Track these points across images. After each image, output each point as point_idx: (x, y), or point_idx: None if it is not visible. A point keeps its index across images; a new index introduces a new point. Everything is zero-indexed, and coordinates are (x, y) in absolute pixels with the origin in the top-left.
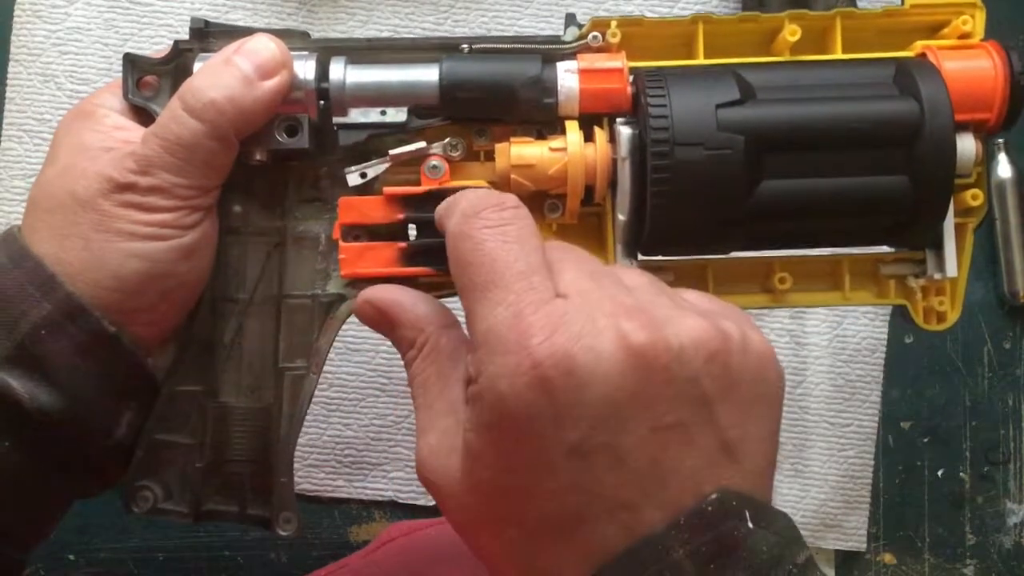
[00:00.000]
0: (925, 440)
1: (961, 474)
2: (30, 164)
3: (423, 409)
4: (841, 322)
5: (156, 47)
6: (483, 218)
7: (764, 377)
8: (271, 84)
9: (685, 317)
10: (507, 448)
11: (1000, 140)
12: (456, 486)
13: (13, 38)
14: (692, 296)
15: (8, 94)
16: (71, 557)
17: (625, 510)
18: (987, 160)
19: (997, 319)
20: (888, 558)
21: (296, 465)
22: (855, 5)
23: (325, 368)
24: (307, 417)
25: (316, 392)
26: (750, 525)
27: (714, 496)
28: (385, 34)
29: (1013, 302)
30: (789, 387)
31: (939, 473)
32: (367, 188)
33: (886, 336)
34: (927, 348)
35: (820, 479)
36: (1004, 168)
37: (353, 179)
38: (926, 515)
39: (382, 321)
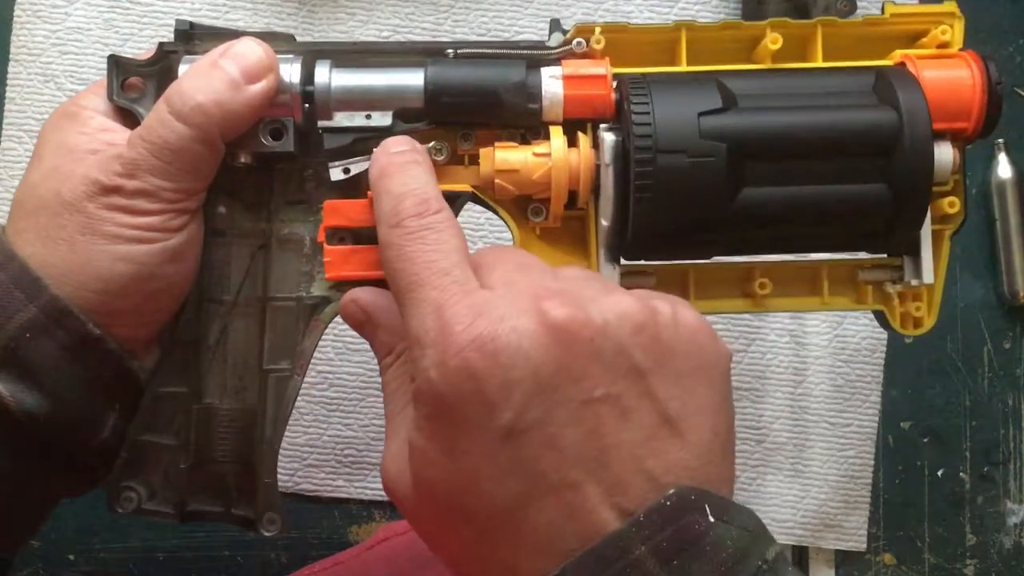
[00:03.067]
0: (925, 440)
1: (961, 474)
2: None
3: (390, 418)
4: (841, 322)
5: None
6: (403, 227)
7: (699, 349)
8: (258, 88)
9: (611, 295)
10: (445, 439)
11: (1000, 140)
12: (409, 491)
13: (13, 38)
14: (627, 289)
15: (8, 94)
16: (71, 557)
17: (568, 489)
18: (964, 167)
19: (997, 319)
20: (888, 558)
21: (296, 465)
22: (855, 6)
23: (325, 368)
24: (307, 417)
25: (316, 392)
26: (711, 519)
27: (672, 491)
28: (385, 34)
29: (1013, 302)
30: (789, 387)
31: (939, 473)
32: (351, 186)
33: (886, 336)
34: (927, 348)
35: (820, 479)
36: (1004, 168)
37: (336, 174)
38: (926, 515)
39: (366, 322)
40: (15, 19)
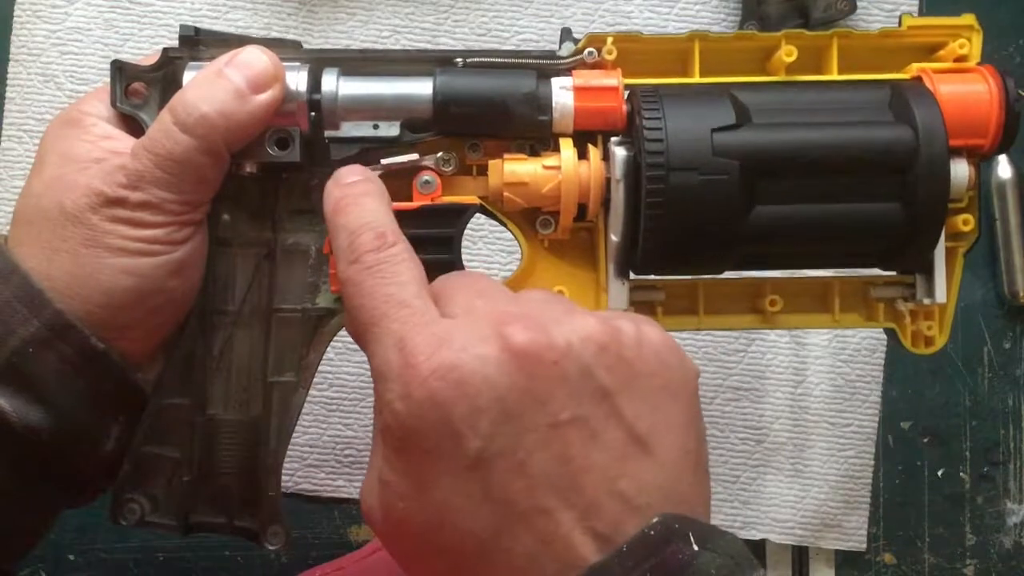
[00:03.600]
0: (925, 440)
1: (961, 474)
2: (30, 164)
3: (373, 447)
4: None
5: (156, 47)
6: (360, 263)
7: (665, 367)
8: (264, 98)
9: (573, 317)
10: (414, 472)
11: None
12: (382, 524)
13: (13, 38)
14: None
15: (8, 94)
16: (71, 557)
17: (541, 515)
18: (979, 184)
19: (997, 319)
20: (888, 558)
21: (296, 465)
22: (855, 5)
23: (325, 368)
24: (307, 417)
25: (316, 392)
26: (695, 547)
27: (656, 520)
28: (385, 34)
29: (1013, 302)
30: (789, 387)
31: (939, 473)
32: None
33: (886, 336)
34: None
35: (820, 479)
36: (1004, 168)
37: None
38: (926, 515)
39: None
40: (15, 19)
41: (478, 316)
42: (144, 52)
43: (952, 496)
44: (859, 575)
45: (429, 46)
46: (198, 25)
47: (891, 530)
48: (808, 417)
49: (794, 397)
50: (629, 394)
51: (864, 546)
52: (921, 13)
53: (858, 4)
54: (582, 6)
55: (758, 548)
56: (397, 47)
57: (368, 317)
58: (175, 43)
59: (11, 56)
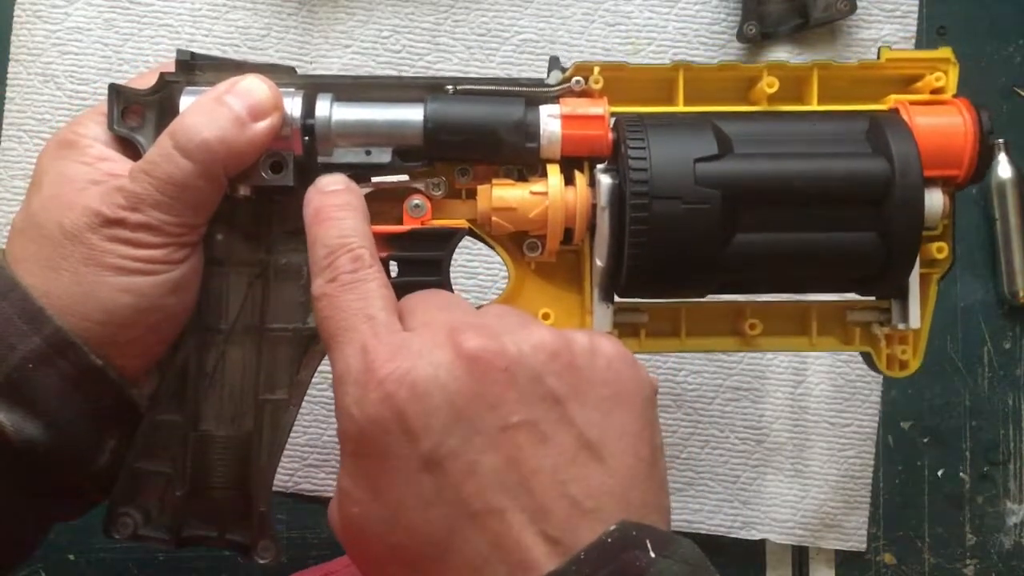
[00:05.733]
0: (925, 440)
1: (961, 474)
2: (30, 164)
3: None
4: None
5: (156, 47)
6: (336, 281)
7: (617, 376)
8: (263, 126)
9: (529, 328)
10: (369, 475)
11: (1000, 140)
12: (342, 532)
13: (13, 38)
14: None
15: (8, 94)
16: (71, 557)
17: (491, 516)
18: (953, 213)
19: (997, 319)
20: (888, 558)
21: (296, 465)
22: (855, 5)
23: (325, 368)
24: (307, 417)
25: (316, 392)
26: (651, 554)
27: (613, 527)
28: (385, 34)
29: (1013, 302)
30: (789, 387)
31: (939, 473)
32: None
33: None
34: (927, 348)
35: (820, 479)
36: (1004, 168)
37: None
38: (926, 515)
39: None
40: (15, 19)
41: (435, 326)
42: (144, 52)
43: (952, 496)
44: (859, 575)
45: (429, 46)
46: (198, 26)
47: (891, 530)
48: (808, 417)
49: (794, 397)
50: (579, 401)
51: (864, 546)
52: (921, 13)
53: (858, 4)
54: (582, 6)
55: (758, 548)
56: (397, 47)
57: (335, 327)
58: (175, 43)
59: (11, 56)
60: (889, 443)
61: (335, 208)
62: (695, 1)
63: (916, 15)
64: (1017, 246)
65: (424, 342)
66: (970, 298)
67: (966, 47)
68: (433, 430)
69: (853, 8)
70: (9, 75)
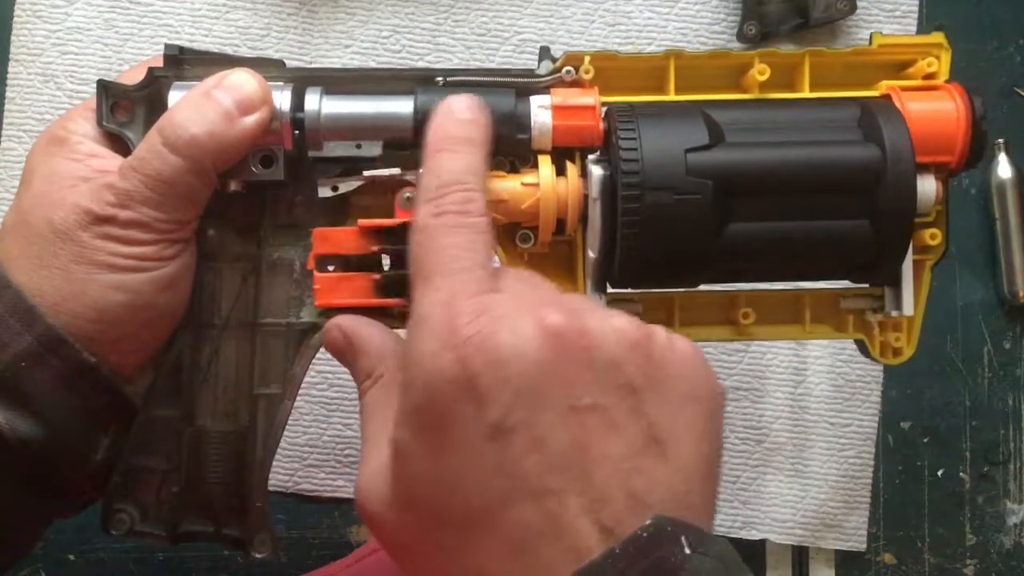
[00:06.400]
0: (925, 440)
1: (961, 474)
2: None
3: (368, 440)
4: None
5: (156, 47)
6: (442, 218)
7: (693, 374)
8: (252, 120)
9: (611, 314)
10: (431, 433)
11: (1000, 140)
12: (387, 506)
13: (13, 38)
14: None
15: (8, 94)
16: (71, 557)
17: (550, 495)
18: (947, 199)
19: (997, 319)
20: (888, 558)
21: (296, 465)
22: (855, 5)
23: (325, 368)
24: (307, 417)
25: (316, 392)
26: (687, 551)
27: (650, 522)
28: (385, 34)
29: (1013, 302)
30: (789, 387)
31: (939, 473)
32: (340, 207)
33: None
34: (927, 348)
35: (820, 479)
36: (1004, 168)
37: (324, 191)
38: (926, 515)
39: (348, 349)
40: (15, 19)
41: (523, 295)
42: (144, 52)
43: (952, 496)
44: (859, 575)
45: (429, 46)
46: (198, 26)
47: (891, 530)
48: (808, 417)
49: (794, 397)
50: (654, 394)
51: (864, 546)
52: (921, 13)
53: (858, 4)
54: (582, 6)
55: (758, 548)
56: (397, 47)
57: (430, 268)
58: (173, 44)
59: (11, 56)
60: (889, 443)
61: (458, 141)
62: (695, 1)
63: (916, 15)
64: (1017, 246)
65: (509, 307)
66: (970, 298)
67: (966, 47)
68: (503, 399)
69: (853, 8)
70: (9, 75)
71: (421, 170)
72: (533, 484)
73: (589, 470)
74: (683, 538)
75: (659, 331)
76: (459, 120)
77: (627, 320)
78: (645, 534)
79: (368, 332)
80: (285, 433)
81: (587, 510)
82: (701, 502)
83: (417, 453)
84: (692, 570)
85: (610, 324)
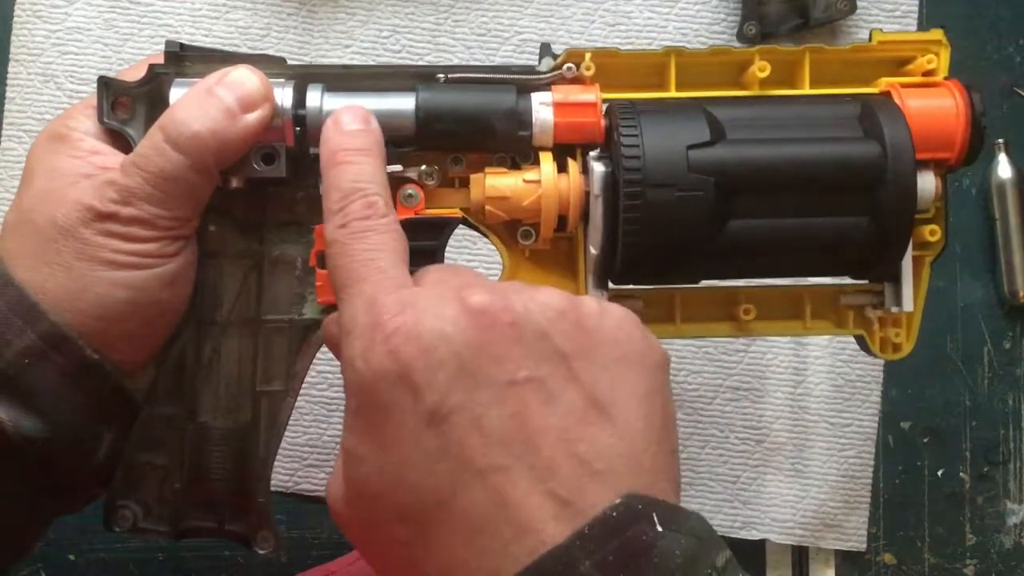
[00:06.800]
0: (925, 440)
1: (961, 474)
2: None
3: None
4: None
5: (156, 47)
6: (349, 227)
7: (627, 337)
8: (254, 117)
9: (536, 290)
10: (374, 430)
11: (1000, 140)
12: (345, 503)
13: (13, 38)
14: None
15: (8, 94)
16: (71, 557)
17: (496, 473)
18: (946, 196)
19: (997, 319)
20: (888, 558)
21: (296, 465)
22: (855, 5)
23: (325, 368)
24: (307, 417)
25: (316, 392)
26: (659, 528)
27: (619, 501)
28: (385, 34)
29: (1013, 302)
30: (789, 387)
31: (939, 473)
32: None
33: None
34: (927, 348)
35: (820, 479)
36: (1004, 168)
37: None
38: (926, 515)
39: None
40: (15, 19)
41: (445, 283)
42: (144, 52)
43: (952, 496)
44: (859, 575)
45: (429, 46)
46: (198, 26)
47: (891, 530)
48: (808, 417)
49: (794, 397)
50: (588, 360)
51: (864, 546)
52: (921, 13)
53: (858, 4)
54: (582, 6)
55: (758, 548)
56: (397, 47)
57: (346, 277)
58: (174, 41)
59: (11, 56)
60: (889, 443)
61: (352, 152)
62: (695, 1)
63: (916, 15)
64: (1017, 246)
65: (432, 297)
66: (970, 298)
67: (966, 47)
68: (438, 384)
69: (853, 8)
70: (9, 75)
71: (321, 163)
72: (479, 464)
73: (533, 442)
74: (654, 515)
75: (587, 300)
76: (347, 131)
77: (552, 292)
78: (615, 513)
79: None
80: (285, 433)
81: (536, 481)
82: (655, 465)
83: (364, 452)
84: (665, 547)
85: (534, 299)
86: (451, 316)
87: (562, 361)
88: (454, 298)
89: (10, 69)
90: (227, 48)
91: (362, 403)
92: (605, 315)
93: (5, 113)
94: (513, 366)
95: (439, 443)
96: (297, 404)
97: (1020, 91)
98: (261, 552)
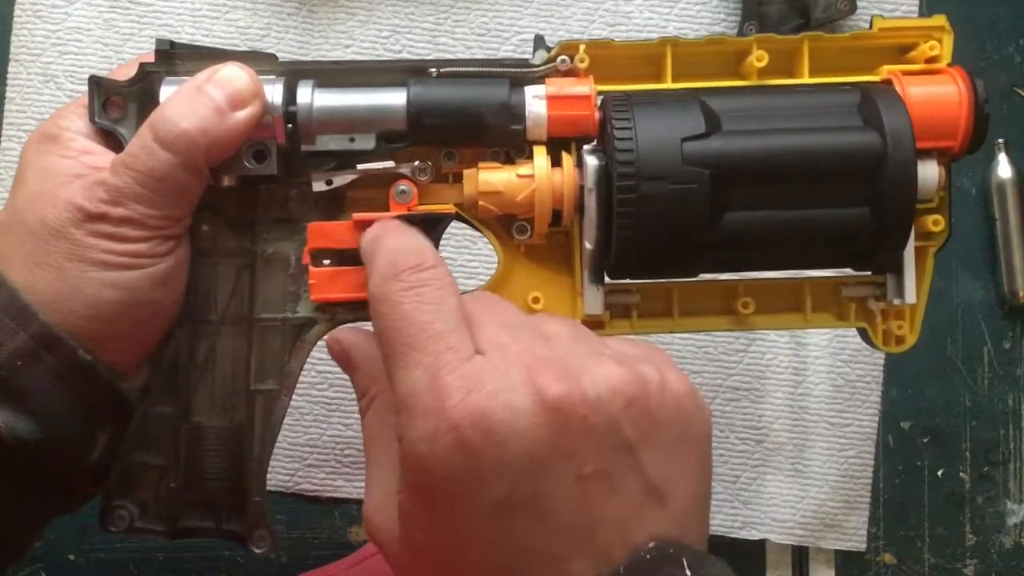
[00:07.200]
0: (925, 440)
1: (961, 474)
2: None
3: (371, 462)
4: None
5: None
6: (400, 280)
7: (685, 416)
8: (243, 115)
9: (602, 365)
10: (434, 509)
11: (1000, 140)
12: (396, 545)
13: (13, 38)
14: (613, 342)
15: (8, 94)
16: (71, 557)
17: (556, 562)
18: (950, 185)
19: (997, 319)
20: (888, 558)
21: (296, 465)
22: (855, 5)
23: (325, 368)
24: (307, 417)
25: (316, 392)
26: (687, 572)
27: (651, 544)
28: (385, 34)
29: (1013, 302)
30: (789, 387)
31: (939, 473)
32: (334, 202)
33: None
34: (927, 348)
35: (820, 479)
36: (1004, 168)
37: (318, 185)
38: (926, 515)
39: (347, 363)
40: (15, 19)
41: (509, 357)
42: (144, 52)
43: (952, 496)
44: (859, 575)
45: (429, 46)
46: (198, 26)
47: (891, 530)
48: (808, 417)
49: (794, 397)
50: (650, 446)
51: (864, 546)
52: (921, 13)
53: (858, 4)
54: (582, 6)
55: (758, 548)
56: (397, 47)
57: (401, 342)
58: (164, 39)
59: (11, 56)
60: (889, 443)
61: (394, 227)
62: (695, 1)
63: (916, 15)
64: (1017, 246)
65: (500, 378)
66: (970, 298)
67: (966, 47)
68: (507, 478)
69: (853, 8)
70: (9, 75)
71: (361, 246)
72: (540, 554)
73: (593, 532)
74: (684, 559)
75: (650, 374)
76: (388, 222)
77: (619, 372)
78: (648, 556)
79: (366, 349)
80: (285, 433)
81: (591, 568)
82: (696, 536)
83: (422, 522)
84: None
85: (605, 382)
86: (524, 409)
87: (627, 451)
88: (525, 383)
89: (10, 69)
90: (227, 48)
91: (423, 482)
92: (666, 392)
93: (5, 113)
94: (582, 460)
95: (502, 531)
96: (297, 404)
97: (1020, 91)
98: (257, 551)
